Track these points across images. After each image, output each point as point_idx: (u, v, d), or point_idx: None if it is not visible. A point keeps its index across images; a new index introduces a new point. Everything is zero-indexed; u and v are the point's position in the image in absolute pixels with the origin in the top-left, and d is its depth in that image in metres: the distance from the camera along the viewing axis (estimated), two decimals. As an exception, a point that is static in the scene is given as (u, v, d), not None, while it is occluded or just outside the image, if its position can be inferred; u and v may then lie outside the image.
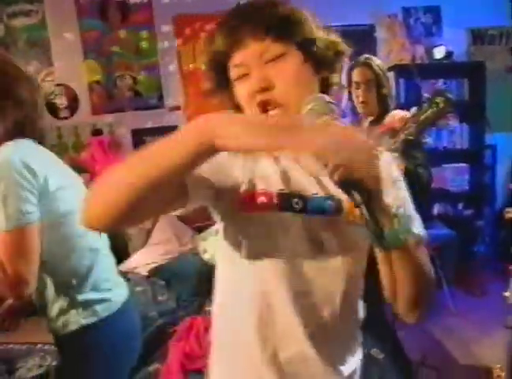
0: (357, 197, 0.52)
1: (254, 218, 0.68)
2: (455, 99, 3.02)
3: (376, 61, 1.81)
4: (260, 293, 0.69)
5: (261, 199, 0.68)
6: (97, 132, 3.15)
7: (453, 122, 3.13)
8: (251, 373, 0.73)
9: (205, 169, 0.62)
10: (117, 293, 1.09)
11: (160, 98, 3.19)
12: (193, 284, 2.31)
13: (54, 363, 2.39)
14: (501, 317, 2.15)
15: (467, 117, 3.17)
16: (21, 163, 0.90)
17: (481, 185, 3.19)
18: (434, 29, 3.23)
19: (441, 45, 3.08)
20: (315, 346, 0.68)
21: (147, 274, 2.45)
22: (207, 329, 1.77)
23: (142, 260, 2.62)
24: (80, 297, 1.01)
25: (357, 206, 0.53)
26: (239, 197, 0.68)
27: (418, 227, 0.68)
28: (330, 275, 0.69)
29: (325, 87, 0.72)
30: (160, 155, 0.56)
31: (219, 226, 0.75)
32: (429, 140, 1.59)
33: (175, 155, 0.54)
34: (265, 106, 0.66)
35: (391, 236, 0.54)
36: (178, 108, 3.21)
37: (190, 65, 3.17)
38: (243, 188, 0.68)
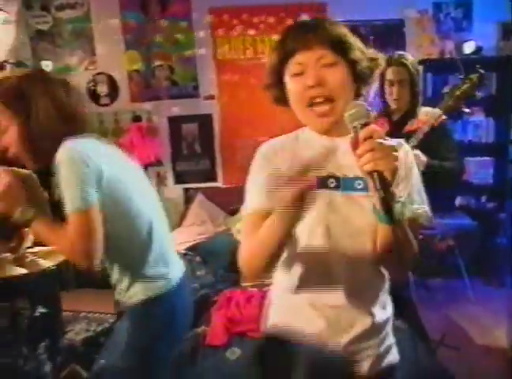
0: (377, 183, 0.69)
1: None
2: (483, 94, 3.13)
3: (410, 59, 1.87)
4: (307, 249, 0.87)
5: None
6: (136, 118, 3.34)
7: (480, 116, 3.20)
8: (301, 316, 0.90)
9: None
10: (174, 269, 1.21)
11: (196, 87, 3.36)
12: (228, 262, 2.48)
13: (99, 329, 2.62)
14: None
15: (493, 111, 3.22)
16: (78, 155, 1.02)
17: (505, 178, 3.24)
18: (464, 24, 3.27)
19: (471, 40, 3.13)
20: (352, 295, 0.86)
21: (184, 252, 2.63)
22: (248, 299, 1.96)
23: (178, 239, 2.80)
24: (142, 273, 1.13)
25: (376, 189, 0.69)
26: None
27: (420, 208, 0.85)
28: (359, 236, 0.85)
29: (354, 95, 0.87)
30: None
31: None
32: (468, 110, 1.71)
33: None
34: (313, 100, 0.81)
35: (393, 214, 0.70)
36: (212, 97, 3.37)
37: (225, 56, 3.33)
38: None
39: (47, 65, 3.19)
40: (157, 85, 3.36)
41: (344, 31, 0.85)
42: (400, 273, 0.89)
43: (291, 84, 0.85)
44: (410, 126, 1.80)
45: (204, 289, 2.10)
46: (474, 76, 1.45)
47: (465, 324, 2.51)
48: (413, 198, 0.85)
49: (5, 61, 3.11)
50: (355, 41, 0.86)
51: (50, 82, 1.12)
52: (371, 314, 0.88)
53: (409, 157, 0.89)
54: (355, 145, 0.71)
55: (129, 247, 1.14)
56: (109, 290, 2.23)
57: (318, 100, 0.81)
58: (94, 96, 3.40)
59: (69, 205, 1.01)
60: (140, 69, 3.34)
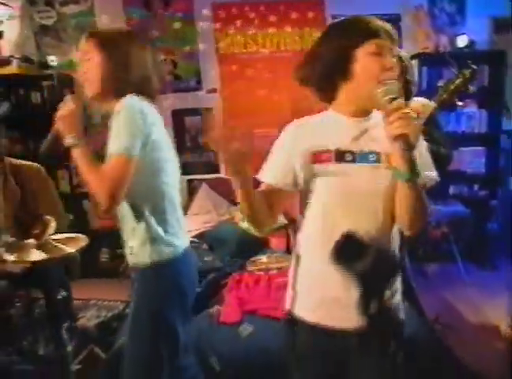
0: (404, 144, 0.85)
1: (323, 169, 0.99)
2: (475, 86, 3.25)
3: (402, 53, 1.99)
4: (324, 216, 1.00)
5: (324, 155, 0.98)
6: (140, 112, 3.42)
7: (473, 108, 3.33)
8: (321, 281, 1.02)
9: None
10: (184, 238, 1.32)
11: (199, 81, 3.44)
12: (233, 248, 2.60)
13: (110, 314, 2.72)
14: (510, 288, 2.41)
15: (486, 103, 3.35)
16: (139, 108, 1.14)
17: (497, 167, 3.39)
18: (457, 18, 3.39)
19: (463, 34, 3.25)
20: None
21: (191, 239, 2.74)
22: (256, 281, 2.08)
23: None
24: (160, 235, 1.22)
25: (403, 150, 0.85)
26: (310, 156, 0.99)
27: (430, 172, 1.00)
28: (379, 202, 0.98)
29: None
30: None
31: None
32: (461, 103, 1.82)
33: None
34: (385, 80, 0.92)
35: (416, 171, 0.86)
36: (215, 91, 3.46)
37: (227, 50, 3.42)
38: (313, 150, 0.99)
39: (53, 60, 3.26)
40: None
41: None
42: (417, 227, 0.99)
43: (368, 62, 0.95)
44: None
45: (213, 273, 2.21)
46: (467, 72, 1.54)
47: (460, 305, 2.65)
48: (423, 163, 0.97)
49: (11, 56, 3.17)
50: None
51: (145, 46, 1.30)
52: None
53: None
54: (388, 114, 0.87)
55: (154, 208, 1.23)
56: (113, 280, 2.28)
57: (388, 81, 0.92)
58: (98, 90, 3.48)
59: (115, 148, 1.11)
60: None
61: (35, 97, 3.29)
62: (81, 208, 3.54)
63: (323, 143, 0.99)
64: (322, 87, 1.04)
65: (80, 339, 2.19)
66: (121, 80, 1.19)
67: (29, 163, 2.14)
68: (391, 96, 0.87)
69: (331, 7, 3.36)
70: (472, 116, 3.39)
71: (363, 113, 1.00)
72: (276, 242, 2.77)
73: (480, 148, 3.43)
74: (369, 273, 0.97)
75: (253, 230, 2.78)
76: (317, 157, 0.98)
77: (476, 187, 3.39)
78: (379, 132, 0.94)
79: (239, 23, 3.38)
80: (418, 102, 1.94)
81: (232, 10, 3.37)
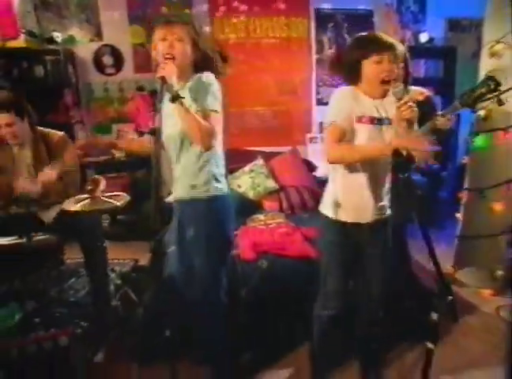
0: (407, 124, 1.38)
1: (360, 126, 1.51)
2: (432, 77, 3.85)
3: (401, 47, 2.41)
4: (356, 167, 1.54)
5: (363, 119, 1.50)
6: (140, 88, 3.68)
7: (431, 95, 3.93)
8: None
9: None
10: (226, 182, 1.70)
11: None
12: (234, 208, 3.03)
13: (124, 269, 3.05)
14: (453, 242, 3.04)
15: (441, 90, 3.98)
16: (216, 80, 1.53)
17: (448, 145, 4.06)
18: (420, 17, 3.95)
19: (425, 31, 3.82)
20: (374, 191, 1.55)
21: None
22: (261, 231, 2.54)
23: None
24: (217, 176, 1.60)
25: (408, 124, 1.37)
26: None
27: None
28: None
29: None
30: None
31: None
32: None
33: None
34: (386, 82, 1.45)
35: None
36: (209, 71, 3.79)
37: (222, 35, 3.76)
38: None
39: (57, 36, 3.42)
40: (160, 58, 3.71)
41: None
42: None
43: (372, 68, 1.48)
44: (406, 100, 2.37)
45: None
46: (492, 83, 1.70)
47: (418, 256, 3.29)
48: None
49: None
50: None
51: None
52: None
53: None
54: (399, 106, 1.39)
55: (216, 154, 1.60)
56: (116, 242, 2.55)
57: (387, 79, 1.46)
58: (99, 67, 3.69)
59: (212, 106, 1.48)
60: (144, 43, 3.67)
61: (39, 71, 3.45)
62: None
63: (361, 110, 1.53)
64: (347, 81, 1.57)
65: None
66: (203, 60, 1.55)
67: (53, 131, 2.41)
68: (399, 96, 1.41)
69: (315, 0, 3.79)
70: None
71: (376, 96, 1.54)
72: (268, 204, 3.23)
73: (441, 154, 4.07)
74: None
75: (249, 195, 3.25)
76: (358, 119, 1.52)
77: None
78: (388, 108, 1.51)
79: (231, 11, 3.71)
80: (415, 90, 2.41)
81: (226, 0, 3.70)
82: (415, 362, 2.03)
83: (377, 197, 1.60)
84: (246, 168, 3.35)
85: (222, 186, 1.63)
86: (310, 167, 3.68)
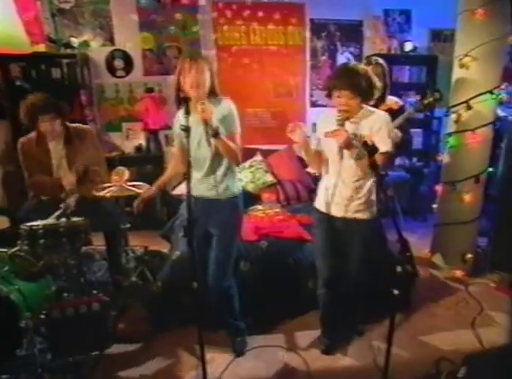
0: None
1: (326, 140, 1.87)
2: (416, 82, 4.21)
3: (381, 61, 2.69)
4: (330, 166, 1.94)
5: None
6: (149, 89, 4.01)
7: (414, 98, 4.31)
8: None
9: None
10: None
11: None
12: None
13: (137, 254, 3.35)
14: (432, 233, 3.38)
15: (423, 95, 4.35)
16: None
17: (430, 145, 4.45)
18: (405, 27, 4.33)
19: (409, 41, 4.20)
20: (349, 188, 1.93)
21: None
22: (261, 218, 2.89)
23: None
24: (237, 178, 2.04)
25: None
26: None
27: (386, 147, 1.86)
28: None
29: None
30: None
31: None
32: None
33: None
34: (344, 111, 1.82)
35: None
36: (212, 75, 4.12)
37: (224, 42, 4.10)
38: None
39: (74, 42, 3.73)
40: (167, 62, 4.04)
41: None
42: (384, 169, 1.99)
43: (335, 100, 1.86)
44: (384, 107, 2.66)
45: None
46: (438, 94, 2.31)
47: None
48: (383, 141, 1.84)
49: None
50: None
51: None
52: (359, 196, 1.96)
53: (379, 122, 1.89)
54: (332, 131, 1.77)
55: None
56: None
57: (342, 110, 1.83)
58: (111, 69, 4.00)
59: (237, 129, 1.92)
60: (153, 48, 3.99)
61: (56, 73, 3.75)
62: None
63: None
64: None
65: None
66: (216, 88, 1.92)
67: (82, 125, 2.73)
68: (339, 123, 1.78)
69: (310, 11, 4.15)
70: (413, 105, 4.38)
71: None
72: (266, 197, 3.58)
73: (418, 129, 4.44)
74: None
75: (248, 188, 3.58)
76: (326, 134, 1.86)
77: (414, 159, 4.43)
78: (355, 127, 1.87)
79: (234, 20, 4.05)
80: (392, 100, 2.76)
81: (229, 9, 4.03)
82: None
83: (347, 197, 1.95)
84: (246, 164, 3.70)
85: (239, 186, 2.07)
86: (304, 164, 4.03)
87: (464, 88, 2.80)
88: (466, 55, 2.72)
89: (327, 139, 1.84)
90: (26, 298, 2.08)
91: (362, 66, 1.87)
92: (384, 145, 1.82)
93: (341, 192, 1.95)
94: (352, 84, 1.78)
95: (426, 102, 2.51)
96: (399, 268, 1.52)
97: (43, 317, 2.03)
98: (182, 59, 1.86)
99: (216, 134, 1.77)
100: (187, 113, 1.71)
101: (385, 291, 2.50)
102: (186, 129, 1.67)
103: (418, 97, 4.38)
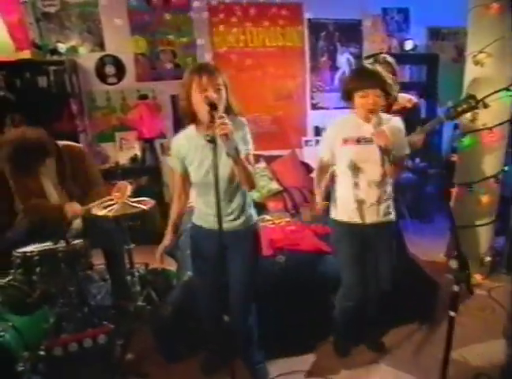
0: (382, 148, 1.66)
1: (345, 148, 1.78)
2: (417, 81, 4.13)
3: (390, 59, 2.57)
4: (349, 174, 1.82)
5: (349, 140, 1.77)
6: (143, 96, 3.80)
7: (415, 98, 4.21)
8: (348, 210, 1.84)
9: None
10: None
11: (195, 70, 3.90)
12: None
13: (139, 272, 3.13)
14: (441, 234, 3.29)
15: (424, 94, 4.27)
16: None
17: (433, 145, 4.36)
18: (403, 26, 4.24)
19: (409, 39, 4.10)
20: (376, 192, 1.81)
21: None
22: (273, 231, 2.71)
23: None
24: (250, 210, 1.82)
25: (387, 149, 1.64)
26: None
27: (407, 151, 1.84)
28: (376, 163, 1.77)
29: None
30: None
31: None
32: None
33: None
34: (370, 109, 1.72)
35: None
36: (208, 79, 3.94)
37: (221, 45, 3.92)
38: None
39: (62, 48, 3.49)
40: (161, 67, 3.84)
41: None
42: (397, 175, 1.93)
43: (359, 100, 1.78)
44: (397, 106, 2.52)
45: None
46: (472, 101, 2.06)
47: (411, 248, 3.54)
48: (401, 145, 1.80)
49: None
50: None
51: None
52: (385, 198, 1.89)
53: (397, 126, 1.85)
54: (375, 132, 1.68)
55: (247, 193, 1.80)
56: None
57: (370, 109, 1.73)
58: (102, 76, 3.77)
59: (251, 149, 1.69)
60: (145, 52, 3.78)
61: (42, 81, 3.50)
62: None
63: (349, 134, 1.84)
64: (347, 105, 1.87)
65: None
66: (232, 105, 1.69)
67: (73, 143, 2.49)
68: (376, 124, 1.71)
69: (308, 11, 4.01)
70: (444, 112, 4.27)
71: (367, 120, 1.79)
72: (272, 205, 3.41)
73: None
74: None
75: (253, 197, 3.40)
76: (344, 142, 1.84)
77: (417, 160, 4.33)
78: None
79: (230, 21, 3.88)
80: (404, 98, 2.63)
81: (224, 9, 3.86)
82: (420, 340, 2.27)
83: (376, 200, 1.88)
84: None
85: (250, 219, 1.83)
86: (309, 169, 3.88)
87: (480, 85, 2.69)
88: (481, 52, 2.61)
89: (348, 145, 1.84)
90: (22, 335, 1.86)
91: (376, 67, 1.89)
92: (406, 149, 1.88)
93: (369, 196, 1.88)
94: (379, 82, 1.76)
95: (460, 109, 2.32)
96: (456, 288, 1.36)
97: (42, 353, 1.81)
98: (195, 72, 1.59)
99: (237, 153, 1.53)
100: (212, 121, 1.49)
101: (409, 300, 2.40)
102: (213, 140, 1.43)
103: (417, 96, 4.29)
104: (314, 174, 2.12)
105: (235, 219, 1.75)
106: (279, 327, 2.20)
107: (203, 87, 1.56)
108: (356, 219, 1.91)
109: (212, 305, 1.91)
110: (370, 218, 1.90)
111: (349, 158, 1.84)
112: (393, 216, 1.95)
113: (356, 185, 1.87)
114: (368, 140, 1.79)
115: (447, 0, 3.85)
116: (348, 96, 1.84)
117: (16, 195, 2.28)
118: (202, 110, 1.57)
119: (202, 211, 1.78)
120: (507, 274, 2.98)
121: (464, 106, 2.22)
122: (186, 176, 1.76)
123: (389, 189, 1.92)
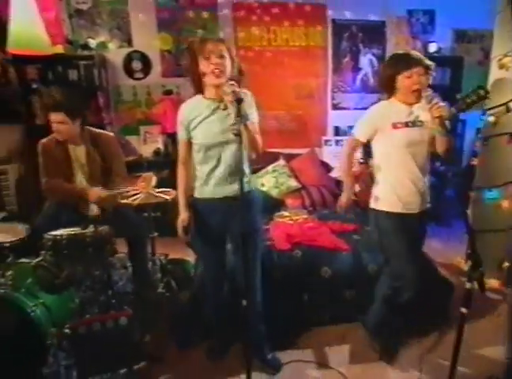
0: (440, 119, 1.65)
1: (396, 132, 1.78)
2: (440, 84, 4.10)
3: (428, 62, 2.62)
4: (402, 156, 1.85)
5: (398, 125, 1.74)
6: (168, 92, 3.90)
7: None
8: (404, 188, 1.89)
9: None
10: None
11: (219, 68, 3.98)
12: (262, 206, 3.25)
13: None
14: (459, 239, 3.27)
15: (447, 97, 4.21)
16: None
17: (453, 148, 4.31)
18: (429, 28, 4.22)
19: (433, 42, 4.08)
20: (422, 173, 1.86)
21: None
22: (291, 226, 2.76)
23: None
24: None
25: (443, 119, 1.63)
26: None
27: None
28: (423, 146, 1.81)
29: None
30: None
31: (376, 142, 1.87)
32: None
33: None
34: (416, 91, 1.73)
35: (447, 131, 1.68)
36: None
37: (244, 42, 3.99)
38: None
39: (92, 43, 3.63)
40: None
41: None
42: (450, 157, 2.01)
43: (405, 81, 1.81)
44: None
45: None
46: (482, 91, 2.00)
47: (428, 250, 3.53)
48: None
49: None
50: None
51: None
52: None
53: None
54: (431, 106, 1.66)
55: None
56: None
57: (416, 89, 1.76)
58: (129, 71, 3.90)
59: (257, 119, 1.81)
60: (171, 49, 3.89)
61: (72, 74, 3.65)
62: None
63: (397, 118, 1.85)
64: (386, 91, 1.88)
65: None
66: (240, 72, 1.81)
67: (104, 131, 2.61)
68: (429, 100, 1.70)
69: (332, 12, 4.04)
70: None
71: (408, 103, 1.81)
72: (291, 202, 3.46)
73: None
74: None
75: (272, 193, 3.46)
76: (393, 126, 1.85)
77: (437, 163, 4.30)
78: (421, 113, 1.76)
79: (254, 20, 3.95)
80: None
81: (250, 9, 3.93)
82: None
83: (423, 188, 1.94)
84: (269, 168, 3.59)
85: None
86: (327, 168, 3.91)
87: (504, 89, 2.67)
88: (506, 55, 2.60)
89: (399, 130, 1.84)
90: (51, 312, 1.97)
91: None
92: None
93: (417, 184, 1.92)
94: (421, 60, 1.81)
95: (469, 100, 2.31)
96: (468, 285, 1.39)
97: (67, 331, 1.91)
98: (199, 42, 1.72)
99: (246, 119, 1.63)
100: (239, 115, 1.56)
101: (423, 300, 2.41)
102: (238, 134, 1.53)
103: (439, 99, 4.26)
104: (341, 160, 2.13)
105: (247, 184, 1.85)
106: (293, 316, 2.26)
107: (206, 53, 1.67)
108: (406, 209, 1.92)
109: (219, 279, 2.02)
110: (420, 206, 1.95)
111: (401, 141, 1.85)
112: (430, 203, 2.04)
113: (405, 171, 1.89)
114: (417, 124, 1.84)
115: (474, 2, 3.82)
116: (389, 82, 1.85)
117: (42, 174, 2.40)
118: (210, 75, 1.68)
119: (215, 180, 1.85)
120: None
121: (474, 97, 2.20)
122: (190, 143, 1.89)
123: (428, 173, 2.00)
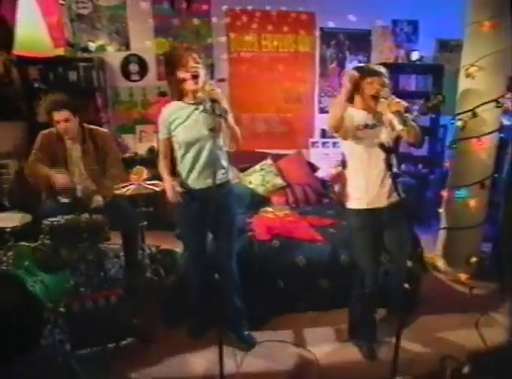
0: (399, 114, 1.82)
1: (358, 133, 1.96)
2: (422, 91, 4.31)
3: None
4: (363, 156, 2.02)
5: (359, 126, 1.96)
6: (162, 93, 4.12)
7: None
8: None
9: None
10: None
11: (212, 71, 4.19)
12: (246, 202, 3.46)
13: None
14: (435, 234, 3.47)
15: (427, 98, 4.44)
16: None
17: (435, 152, 4.53)
18: (412, 38, 4.44)
19: (416, 50, 4.30)
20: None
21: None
22: (273, 220, 2.97)
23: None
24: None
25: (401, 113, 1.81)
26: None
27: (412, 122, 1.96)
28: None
29: None
30: None
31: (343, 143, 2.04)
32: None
33: None
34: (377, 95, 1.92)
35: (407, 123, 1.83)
36: (223, 80, 4.22)
37: (236, 48, 4.22)
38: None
39: (92, 46, 3.85)
40: (180, 68, 4.15)
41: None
42: (418, 144, 2.04)
43: (367, 87, 1.98)
44: None
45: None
46: (441, 97, 2.31)
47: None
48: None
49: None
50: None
51: None
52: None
53: None
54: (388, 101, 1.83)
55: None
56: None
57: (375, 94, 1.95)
58: (126, 73, 4.12)
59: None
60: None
61: (72, 76, 3.86)
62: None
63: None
64: (350, 98, 2.02)
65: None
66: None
67: (99, 128, 2.82)
68: (386, 96, 1.88)
69: (319, 21, 4.27)
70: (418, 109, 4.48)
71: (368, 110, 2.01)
72: (276, 199, 3.66)
73: (424, 137, 4.51)
74: None
75: (259, 190, 3.67)
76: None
77: (420, 166, 4.52)
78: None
79: (246, 27, 4.17)
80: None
81: (242, 16, 4.16)
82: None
83: (388, 183, 2.01)
84: (257, 167, 3.79)
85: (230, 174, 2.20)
86: (313, 169, 4.12)
87: (470, 96, 2.89)
88: (472, 65, 2.82)
89: (363, 132, 1.98)
90: (48, 289, 2.17)
91: None
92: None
93: (383, 180, 2.02)
94: (380, 72, 2.00)
95: (430, 104, 2.59)
96: (409, 263, 1.60)
97: (62, 309, 2.11)
98: (179, 52, 1.99)
99: (226, 113, 1.85)
100: (213, 113, 1.79)
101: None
102: (213, 129, 1.76)
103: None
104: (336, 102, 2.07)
105: (224, 176, 2.10)
106: (270, 302, 2.46)
107: (184, 61, 1.93)
108: (372, 205, 2.04)
109: (200, 263, 2.23)
110: (384, 201, 2.04)
111: (363, 143, 2.00)
112: (397, 196, 1.99)
113: (370, 169, 2.02)
114: (372, 127, 1.99)
115: (457, 13, 4.03)
116: (354, 87, 1.99)
117: (33, 159, 2.59)
118: (188, 81, 1.94)
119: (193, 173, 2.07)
120: (494, 277, 3.14)
121: (434, 102, 2.47)
122: (169, 140, 2.08)
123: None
